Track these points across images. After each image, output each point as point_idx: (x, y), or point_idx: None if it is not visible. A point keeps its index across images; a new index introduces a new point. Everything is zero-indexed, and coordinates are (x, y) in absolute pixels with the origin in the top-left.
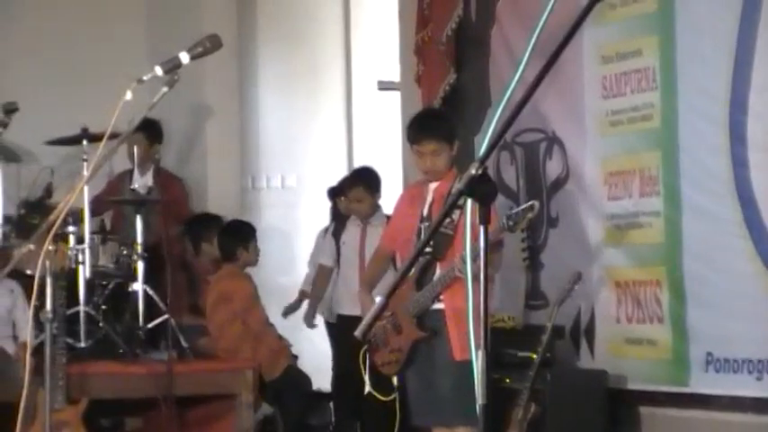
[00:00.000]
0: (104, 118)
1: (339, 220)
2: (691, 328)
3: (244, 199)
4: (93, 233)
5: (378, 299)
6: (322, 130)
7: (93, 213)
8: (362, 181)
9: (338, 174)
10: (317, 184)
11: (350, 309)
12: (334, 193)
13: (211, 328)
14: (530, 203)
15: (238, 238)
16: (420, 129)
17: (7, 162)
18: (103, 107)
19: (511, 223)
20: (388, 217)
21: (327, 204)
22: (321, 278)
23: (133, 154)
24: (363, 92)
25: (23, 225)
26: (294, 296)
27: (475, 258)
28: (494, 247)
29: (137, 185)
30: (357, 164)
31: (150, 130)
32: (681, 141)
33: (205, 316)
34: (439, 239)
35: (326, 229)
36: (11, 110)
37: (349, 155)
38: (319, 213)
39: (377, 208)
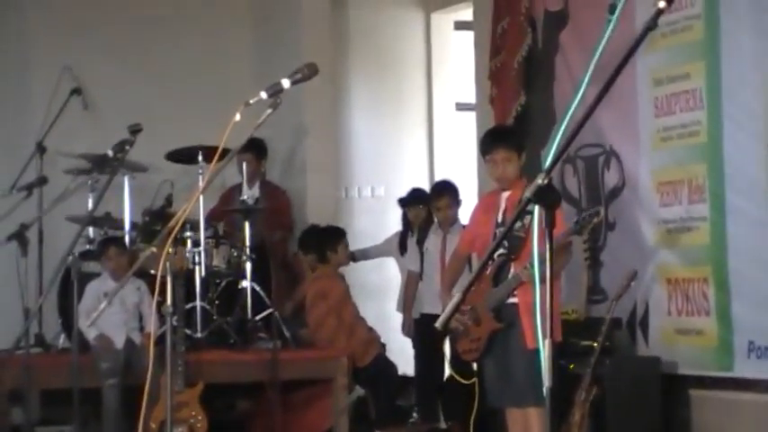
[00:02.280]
0: (217, 136)
1: (409, 226)
2: (734, 319)
3: (338, 207)
4: (207, 238)
5: (457, 294)
6: (406, 146)
7: (209, 222)
8: (449, 192)
9: (421, 185)
10: (403, 194)
11: (432, 307)
12: (404, 203)
13: (310, 321)
14: (595, 209)
15: (330, 241)
16: (492, 139)
17: (133, 173)
18: (216, 127)
19: (579, 227)
20: (465, 226)
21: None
22: (410, 283)
23: (242, 169)
24: (443, 112)
25: (147, 231)
26: (383, 294)
27: (543, 260)
28: (564, 248)
29: (245, 196)
30: (438, 176)
31: (257, 148)
32: (725, 154)
33: (305, 310)
34: (513, 241)
35: (399, 234)
36: (136, 130)
37: (430, 168)
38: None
39: (456, 219)
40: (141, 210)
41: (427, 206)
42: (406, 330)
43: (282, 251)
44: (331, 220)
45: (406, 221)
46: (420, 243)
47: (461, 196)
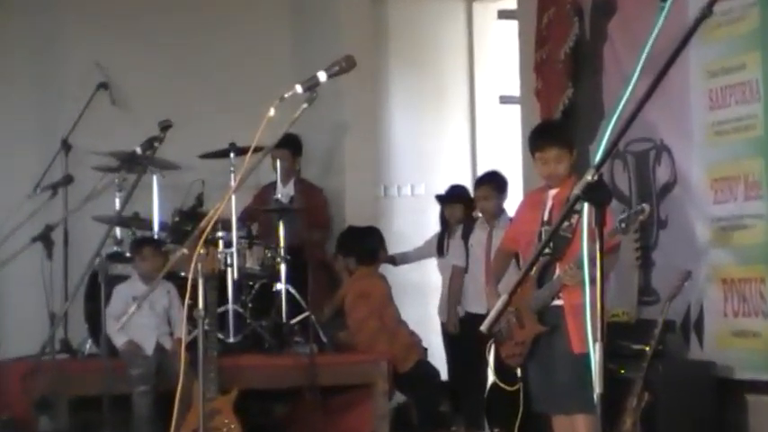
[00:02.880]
0: (250, 133)
1: (446, 225)
2: None
3: (377, 206)
4: (240, 238)
5: (503, 296)
6: (448, 142)
7: (242, 222)
8: (491, 180)
9: (463, 182)
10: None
11: (477, 306)
12: (442, 201)
13: (350, 324)
14: (640, 207)
15: (370, 242)
16: (543, 137)
17: (162, 171)
18: (250, 124)
19: (623, 225)
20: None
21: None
22: (455, 278)
23: (277, 167)
24: (486, 106)
25: (178, 231)
26: (425, 295)
27: (592, 261)
28: (611, 249)
29: (280, 195)
30: (480, 171)
31: (292, 144)
32: None
33: (344, 313)
34: (558, 241)
35: (438, 234)
36: (166, 126)
37: (473, 165)
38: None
39: (502, 211)
40: (171, 210)
41: (465, 204)
42: (452, 326)
43: (320, 252)
44: (369, 220)
45: (444, 220)
46: (465, 238)
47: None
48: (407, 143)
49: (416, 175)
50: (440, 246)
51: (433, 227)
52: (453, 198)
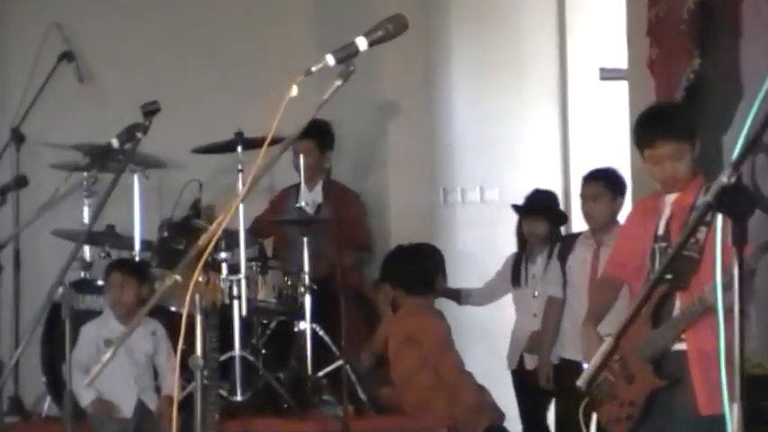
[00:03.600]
0: (264, 120)
1: (523, 245)
2: None
3: (434, 217)
4: (250, 260)
5: (606, 339)
6: (530, 130)
7: (253, 239)
8: (605, 176)
9: (551, 185)
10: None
11: (575, 351)
12: (519, 212)
13: (395, 377)
14: None
15: (434, 265)
16: (652, 128)
17: (146, 171)
18: (263, 108)
19: None
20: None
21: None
22: (551, 314)
23: (299, 164)
24: (581, 83)
25: (166, 251)
26: (501, 338)
27: (726, 288)
28: (749, 276)
29: (303, 203)
30: (574, 171)
31: (320, 135)
32: None
33: (387, 362)
34: (680, 264)
35: (513, 257)
36: (151, 111)
37: (564, 160)
38: None
39: (614, 222)
40: (158, 222)
41: (551, 217)
42: (545, 378)
43: (356, 279)
44: (423, 236)
45: (522, 239)
46: (562, 259)
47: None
48: (475, 131)
49: (487, 175)
50: (515, 272)
51: (509, 243)
52: (535, 208)
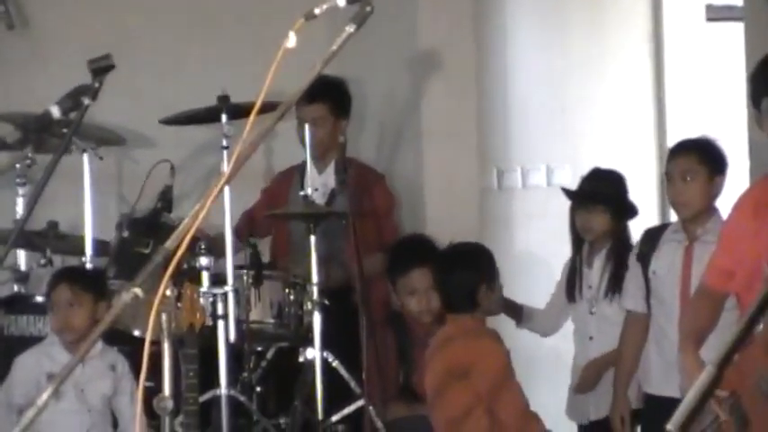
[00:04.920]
0: (255, 81)
1: (579, 246)
2: None
3: (484, 205)
4: (240, 268)
5: (707, 368)
6: (614, 89)
7: (242, 237)
8: (697, 148)
9: (641, 160)
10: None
11: (662, 385)
12: (574, 198)
13: (437, 422)
14: None
15: (473, 273)
16: None
17: (98, 148)
18: (253, 65)
19: None
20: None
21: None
22: (631, 333)
23: (304, 136)
24: (682, 25)
25: (127, 256)
26: (565, 366)
27: None
28: None
29: (310, 189)
30: (670, 141)
31: (332, 97)
32: None
33: (425, 401)
34: None
35: (569, 263)
36: (102, 67)
37: (658, 127)
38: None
39: (712, 211)
40: (117, 217)
41: (611, 207)
42: (619, 417)
43: (381, 290)
44: (469, 231)
45: (575, 236)
46: (643, 261)
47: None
48: (538, 92)
49: (557, 150)
50: (570, 282)
51: None
52: (591, 195)
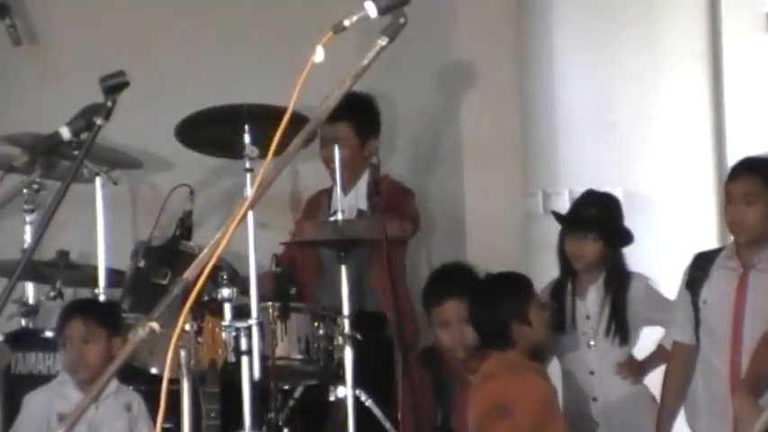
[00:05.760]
0: (280, 98)
1: (567, 274)
2: None
3: (528, 231)
4: (265, 300)
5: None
6: (666, 106)
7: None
8: (760, 168)
9: (699, 181)
10: (662, 200)
11: (710, 423)
12: (564, 223)
13: None
14: None
15: (504, 308)
16: None
17: (112, 171)
18: (278, 80)
19: None
20: None
21: (686, 235)
22: (679, 364)
23: (332, 158)
24: (741, 35)
25: (143, 287)
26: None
27: None
28: None
29: (339, 213)
30: (730, 160)
31: (356, 116)
32: None
33: None
34: None
35: (556, 285)
36: (116, 85)
37: (717, 147)
38: (672, 256)
39: None
40: (133, 245)
41: (603, 234)
42: None
43: (417, 324)
44: (512, 260)
45: (564, 261)
46: (693, 287)
47: None
48: (589, 110)
49: (608, 171)
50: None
51: (643, 267)
52: (582, 219)
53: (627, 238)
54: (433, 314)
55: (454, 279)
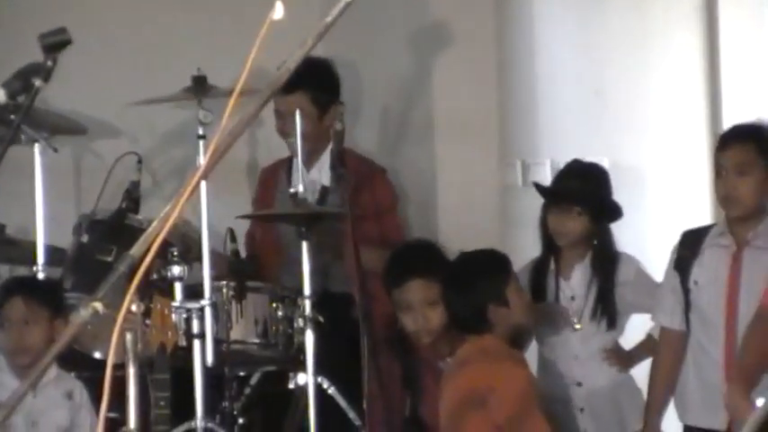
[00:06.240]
0: (234, 59)
1: (550, 250)
2: None
3: (506, 205)
4: (219, 279)
5: (758, 401)
6: (657, 69)
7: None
8: (753, 137)
9: (692, 153)
10: (652, 173)
11: (702, 414)
12: (546, 195)
13: None
14: None
15: (479, 288)
16: None
17: (51, 138)
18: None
19: None
20: None
21: (678, 212)
22: (668, 351)
23: (289, 132)
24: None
25: (86, 265)
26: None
27: None
28: None
29: (300, 187)
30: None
31: (312, 84)
32: None
33: None
34: None
35: (537, 263)
36: (57, 43)
37: (712, 116)
38: (661, 234)
39: (766, 211)
40: (75, 219)
41: (588, 208)
42: None
43: (386, 305)
44: (488, 236)
45: (546, 237)
46: (681, 270)
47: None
48: (572, 73)
49: (593, 140)
50: (536, 290)
51: (632, 248)
52: (566, 192)
53: (615, 212)
54: (394, 296)
55: (417, 258)
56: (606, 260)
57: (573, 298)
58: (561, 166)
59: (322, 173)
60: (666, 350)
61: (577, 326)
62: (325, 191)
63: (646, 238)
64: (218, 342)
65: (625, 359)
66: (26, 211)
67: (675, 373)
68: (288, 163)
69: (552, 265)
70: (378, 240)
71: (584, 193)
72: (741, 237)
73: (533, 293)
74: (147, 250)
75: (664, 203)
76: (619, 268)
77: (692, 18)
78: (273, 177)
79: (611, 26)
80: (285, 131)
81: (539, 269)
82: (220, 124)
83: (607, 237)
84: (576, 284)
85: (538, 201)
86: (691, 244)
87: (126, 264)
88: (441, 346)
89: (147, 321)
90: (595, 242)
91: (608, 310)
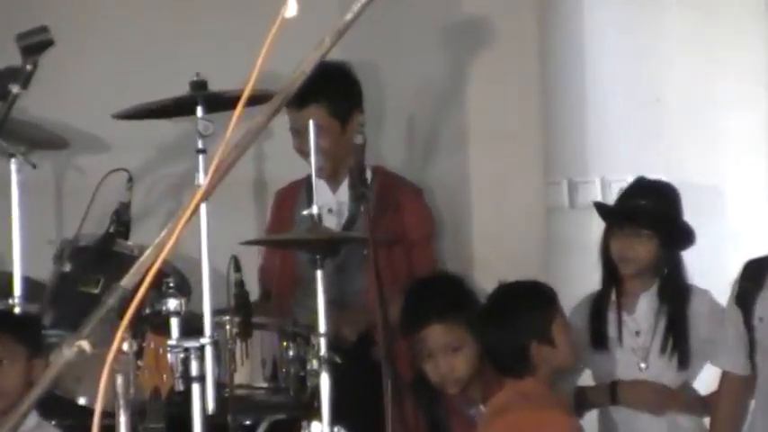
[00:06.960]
0: (239, 63)
1: (612, 280)
2: None
3: (551, 228)
4: (221, 313)
5: None
6: (721, 78)
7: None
8: None
9: (755, 172)
10: (716, 193)
11: None
12: (607, 219)
13: None
14: None
15: (519, 326)
16: None
17: (30, 153)
18: (238, 43)
19: None
20: None
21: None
22: (731, 398)
23: (307, 147)
24: None
25: (69, 297)
26: None
27: None
28: None
29: (315, 208)
30: None
31: (327, 94)
32: None
33: None
34: None
35: (597, 296)
36: (37, 44)
37: None
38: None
39: None
40: (56, 246)
41: (661, 232)
42: None
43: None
44: (531, 264)
45: (607, 265)
46: (744, 302)
47: None
48: (626, 83)
49: (649, 157)
50: (596, 326)
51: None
52: (635, 214)
53: (688, 237)
54: (412, 344)
55: (435, 298)
56: (677, 291)
57: (638, 333)
58: (611, 184)
59: (343, 193)
60: (728, 398)
61: (643, 365)
62: (353, 218)
63: (709, 268)
64: (219, 386)
65: (700, 407)
66: (0, 236)
67: (740, 424)
68: (308, 181)
69: (613, 296)
70: (404, 276)
71: (655, 214)
72: None
73: (593, 331)
74: (140, 282)
75: (729, 229)
76: (691, 300)
77: (760, 18)
78: (291, 199)
79: (671, 23)
80: (305, 151)
81: (599, 303)
82: (223, 137)
83: (679, 265)
84: (641, 318)
85: (586, 225)
86: (754, 276)
87: (115, 297)
88: (472, 391)
89: (140, 362)
90: (666, 270)
91: (680, 346)
